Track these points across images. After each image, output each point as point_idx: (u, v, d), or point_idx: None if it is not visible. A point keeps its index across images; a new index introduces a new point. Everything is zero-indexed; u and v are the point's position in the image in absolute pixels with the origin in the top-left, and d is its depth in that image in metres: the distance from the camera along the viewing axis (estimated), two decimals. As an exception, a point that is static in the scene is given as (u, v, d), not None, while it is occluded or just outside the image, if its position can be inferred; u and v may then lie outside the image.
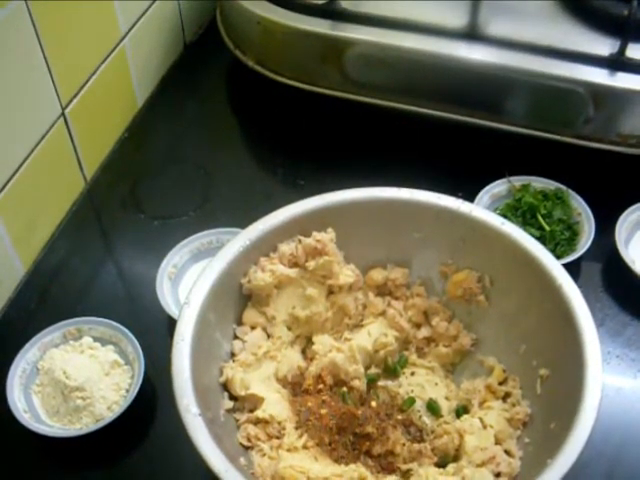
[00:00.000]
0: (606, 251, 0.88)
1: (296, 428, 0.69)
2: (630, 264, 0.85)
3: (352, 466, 0.66)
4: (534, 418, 0.69)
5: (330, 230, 0.75)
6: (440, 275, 0.79)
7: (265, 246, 0.74)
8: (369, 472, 0.66)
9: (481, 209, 0.76)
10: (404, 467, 0.68)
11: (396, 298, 0.79)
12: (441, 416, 0.73)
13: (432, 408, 0.73)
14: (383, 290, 0.80)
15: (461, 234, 0.75)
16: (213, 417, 0.65)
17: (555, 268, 0.69)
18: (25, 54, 0.83)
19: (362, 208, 0.76)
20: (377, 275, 0.79)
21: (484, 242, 0.74)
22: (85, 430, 0.74)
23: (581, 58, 0.89)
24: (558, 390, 0.67)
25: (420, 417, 0.73)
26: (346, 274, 0.76)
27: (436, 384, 0.75)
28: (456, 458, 0.69)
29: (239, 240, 0.73)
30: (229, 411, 0.69)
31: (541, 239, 0.84)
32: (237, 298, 0.74)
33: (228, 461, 0.59)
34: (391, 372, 0.76)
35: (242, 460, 0.65)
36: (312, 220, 0.75)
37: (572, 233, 0.89)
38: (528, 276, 0.71)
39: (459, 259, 0.77)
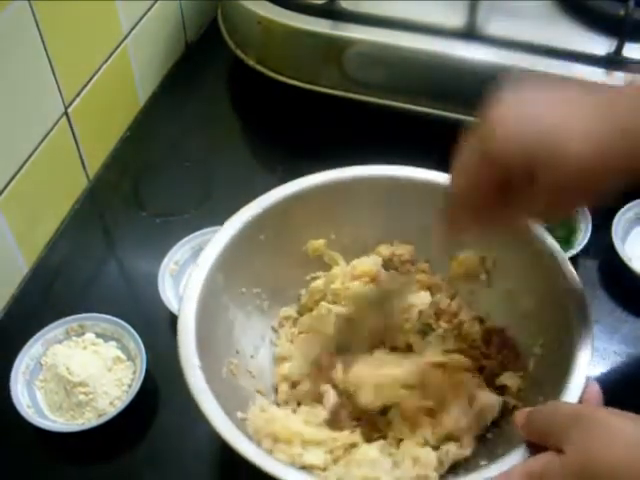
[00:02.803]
0: (603, 248, 0.89)
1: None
2: (627, 261, 0.86)
3: (345, 432, 0.68)
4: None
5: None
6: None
7: (276, 214, 0.75)
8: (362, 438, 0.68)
9: None
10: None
11: (401, 274, 0.81)
12: None
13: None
14: (389, 265, 0.81)
15: None
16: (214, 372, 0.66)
17: (555, 251, 0.70)
18: (28, 53, 0.84)
19: (374, 185, 0.77)
20: (384, 250, 0.80)
21: None
22: (88, 425, 0.74)
23: (578, 57, 0.90)
24: (549, 368, 0.68)
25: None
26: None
27: None
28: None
29: (252, 208, 0.74)
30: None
31: (538, 236, 0.85)
32: (247, 261, 0.75)
33: (227, 417, 0.60)
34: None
35: (239, 414, 0.66)
36: (325, 193, 0.77)
37: (569, 230, 0.89)
38: (529, 258, 0.72)
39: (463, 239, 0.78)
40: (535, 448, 0.57)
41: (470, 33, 0.93)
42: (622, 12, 0.88)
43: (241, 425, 0.63)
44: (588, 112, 0.58)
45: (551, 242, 0.71)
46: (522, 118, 0.59)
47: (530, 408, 0.59)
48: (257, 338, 0.77)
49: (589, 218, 0.89)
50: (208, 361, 0.64)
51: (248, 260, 0.75)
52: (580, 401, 0.60)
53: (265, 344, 0.77)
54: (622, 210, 0.90)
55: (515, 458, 0.57)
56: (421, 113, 0.97)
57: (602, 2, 0.93)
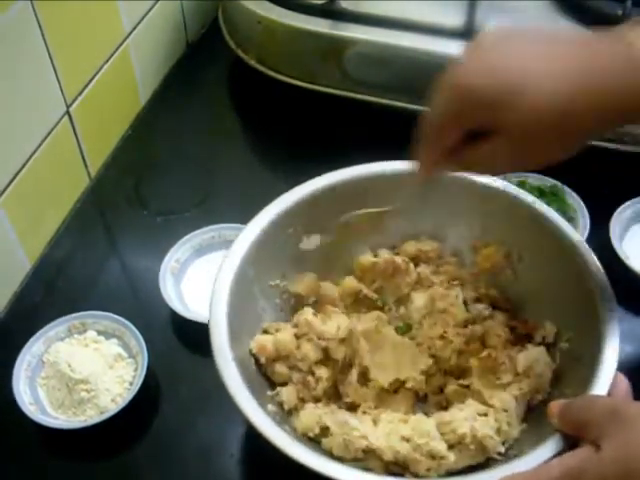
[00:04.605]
0: (601, 246, 0.88)
1: None
2: (624, 259, 0.86)
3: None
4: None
5: None
6: (470, 249, 0.80)
7: (302, 212, 0.76)
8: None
9: (513, 187, 0.77)
10: None
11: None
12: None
13: None
14: (415, 262, 0.81)
15: (492, 209, 0.77)
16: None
17: (582, 247, 0.71)
18: (30, 53, 0.84)
19: (397, 181, 0.77)
20: (410, 248, 0.81)
21: (514, 218, 0.76)
22: (89, 422, 0.75)
23: (576, 57, 0.90)
24: (576, 362, 0.68)
25: None
26: None
27: None
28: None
29: (279, 203, 0.74)
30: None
31: (537, 235, 0.85)
32: (276, 256, 0.75)
33: (257, 404, 0.61)
34: None
35: (270, 406, 0.67)
36: (350, 190, 0.77)
37: (567, 229, 0.89)
38: (555, 253, 0.73)
39: (489, 233, 0.78)
40: (568, 439, 0.57)
41: (469, 33, 0.93)
42: (620, 12, 0.89)
43: (274, 418, 0.63)
44: (568, 50, 0.55)
45: (578, 238, 0.72)
46: (494, 55, 0.56)
47: (565, 400, 0.59)
48: None
49: (587, 216, 0.90)
50: (239, 353, 0.65)
51: (276, 254, 0.75)
52: (609, 394, 0.60)
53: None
54: (620, 209, 0.90)
55: (545, 451, 0.58)
56: (420, 112, 0.97)
57: (600, 2, 0.94)
